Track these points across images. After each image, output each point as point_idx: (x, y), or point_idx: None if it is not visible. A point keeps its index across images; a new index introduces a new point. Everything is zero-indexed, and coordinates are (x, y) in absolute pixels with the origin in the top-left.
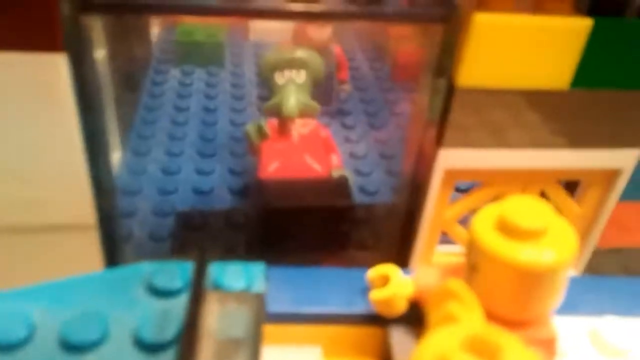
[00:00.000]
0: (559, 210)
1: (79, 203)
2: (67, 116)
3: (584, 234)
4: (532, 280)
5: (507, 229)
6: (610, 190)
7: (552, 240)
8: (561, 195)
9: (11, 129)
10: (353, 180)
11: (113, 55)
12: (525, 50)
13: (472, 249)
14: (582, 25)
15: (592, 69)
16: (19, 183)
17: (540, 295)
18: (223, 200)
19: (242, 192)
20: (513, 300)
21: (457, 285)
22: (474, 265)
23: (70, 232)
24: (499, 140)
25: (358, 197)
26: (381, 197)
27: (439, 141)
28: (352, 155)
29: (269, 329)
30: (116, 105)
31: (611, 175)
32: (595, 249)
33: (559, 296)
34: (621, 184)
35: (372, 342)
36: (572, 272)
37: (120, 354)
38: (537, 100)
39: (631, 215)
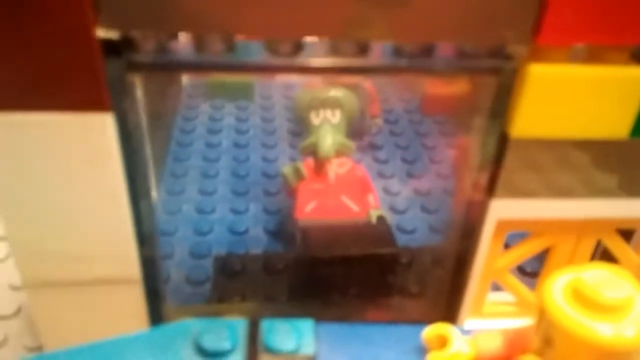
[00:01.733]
0: (617, 258)
1: (124, 256)
2: (113, 172)
3: None
4: (613, 358)
5: (585, 301)
6: None
7: (634, 314)
8: (619, 243)
9: (58, 188)
10: (390, 219)
11: (148, 101)
12: (581, 101)
13: (545, 320)
14: None
15: None
16: (66, 239)
17: None
18: (259, 241)
19: (278, 233)
20: None
21: None
22: (549, 340)
23: (115, 285)
24: (554, 190)
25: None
26: (418, 236)
27: (491, 191)
28: (387, 191)
29: None
30: (150, 143)
31: None
32: None
33: None
34: None
35: None
36: None
37: None
38: (594, 149)
39: None
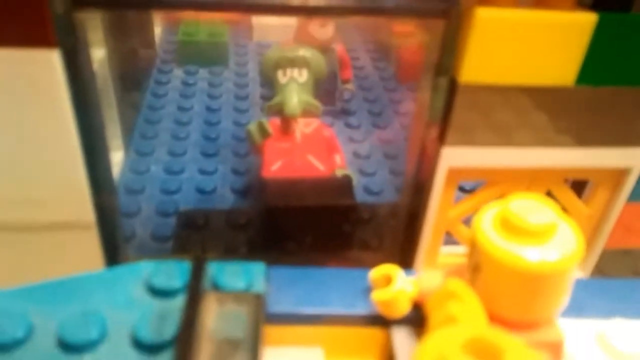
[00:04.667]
0: (566, 210)
1: (78, 201)
2: (62, 113)
3: (592, 235)
4: (536, 282)
5: (510, 228)
6: (618, 190)
7: (557, 240)
8: (568, 194)
9: (5, 126)
10: (357, 180)
11: (114, 55)
12: (528, 46)
13: (475, 249)
14: (587, 20)
15: (597, 65)
16: (15, 181)
17: (545, 297)
18: (226, 200)
19: (244, 192)
20: (517, 302)
21: (458, 285)
22: (477, 266)
23: (70, 231)
24: (504, 138)
25: (362, 197)
26: (385, 197)
27: (442, 139)
28: (356, 155)
29: (269, 330)
30: (119, 105)
31: (620, 175)
32: (603, 250)
33: (565, 298)
34: (630, 183)
35: (374, 343)
36: (580, 274)
37: (118, 354)
38: (542, 97)
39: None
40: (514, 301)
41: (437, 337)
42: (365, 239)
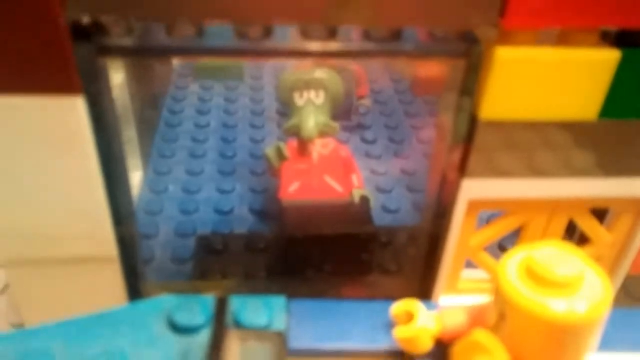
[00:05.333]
0: (589, 238)
1: (101, 237)
2: (86, 156)
3: (615, 262)
4: (563, 334)
5: (537, 279)
6: None
7: (585, 289)
8: (591, 222)
9: (32, 171)
10: (374, 200)
11: (133, 76)
12: (550, 83)
13: (500, 297)
14: (610, 57)
15: (621, 100)
16: (43, 222)
17: (573, 347)
18: (244, 221)
19: (262, 213)
20: (544, 353)
21: (485, 338)
22: (502, 314)
23: (93, 264)
24: (525, 170)
25: (379, 216)
26: (403, 216)
27: (463, 171)
28: (374, 172)
29: None
30: (137, 125)
31: None
32: (627, 276)
33: (592, 348)
34: None
35: None
36: None
37: None
38: (565, 130)
39: None
40: (541, 352)
41: None
42: (384, 264)
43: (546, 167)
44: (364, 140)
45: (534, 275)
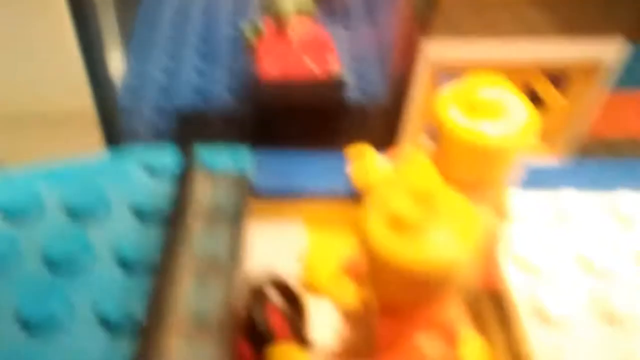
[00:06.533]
0: (545, 101)
1: (76, 91)
2: (60, 16)
3: (571, 125)
4: (487, 153)
5: (465, 102)
6: (595, 80)
7: (512, 116)
8: (546, 86)
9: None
10: (351, 81)
11: None
12: None
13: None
14: None
15: None
16: (18, 74)
17: (492, 167)
18: (223, 100)
19: (240, 92)
20: (470, 171)
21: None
22: (436, 139)
23: (73, 122)
24: (484, 29)
25: (355, 98)
26: (377, 98)
27: (426, 31)
28: (352, 57)
29: (255, 206)
30: (116, 6)
31: (595, 65)
32: (585, 140)
33: (512, 173)
34: (605, 74)
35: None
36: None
37: (119, 223)
38: None
39: (623, 105)
40: (468, 170)
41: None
42: (352, 135)
43: (504, 26)
44: (345, 27)
45: (463, 100)
